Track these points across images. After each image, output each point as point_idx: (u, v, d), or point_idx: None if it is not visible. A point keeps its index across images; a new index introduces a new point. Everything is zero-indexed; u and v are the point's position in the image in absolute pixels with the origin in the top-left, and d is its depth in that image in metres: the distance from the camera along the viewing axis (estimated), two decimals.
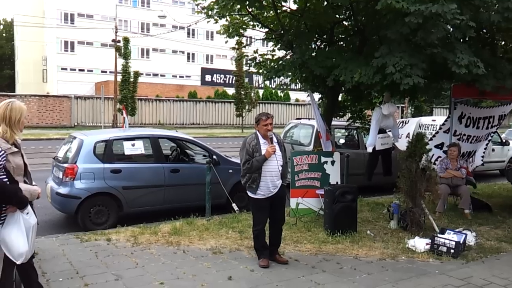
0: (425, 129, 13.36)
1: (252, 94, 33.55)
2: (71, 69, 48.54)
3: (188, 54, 54.74)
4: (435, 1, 5.58)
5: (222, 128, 35.84)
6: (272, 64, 8.48)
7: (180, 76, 53.08)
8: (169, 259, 5.76)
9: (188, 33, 52.53)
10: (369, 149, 7.89)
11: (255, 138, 5.47)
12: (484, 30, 7.79)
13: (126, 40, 29.70)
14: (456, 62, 5.85)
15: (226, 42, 9.08)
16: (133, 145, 8.04)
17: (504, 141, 14.74)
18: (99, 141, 7.78)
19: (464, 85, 7.73)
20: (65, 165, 7.46)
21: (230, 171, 8.58)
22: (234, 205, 8.24)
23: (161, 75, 52.04)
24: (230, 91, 40.23)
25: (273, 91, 41.94)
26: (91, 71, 48.89)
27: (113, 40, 30.72)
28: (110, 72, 42.11)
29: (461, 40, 6.50)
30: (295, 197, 7.99)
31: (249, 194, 5.55)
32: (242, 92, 33.09)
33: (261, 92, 40.52)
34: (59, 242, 6.35)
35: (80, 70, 48.82)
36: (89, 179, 7.42)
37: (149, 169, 8.03)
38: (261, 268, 5.49)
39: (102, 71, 48.17)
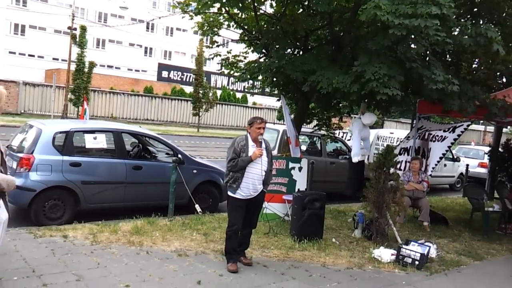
0: (383, 141, 13.72)
1: (211, 94, 33.21)
2: (20, 54, 46.03)
3: (146, 48, 53.46)
4: (418, 16, 5.69)
5: (178, 126, 35.17)
6: (246, 66, 8.37)
7: (136, 70, 51.70)
8: (132, 260, 5.50)
9: (147, 27, 51.33)
10: (355, 160, 7.93)
11: (245, 140, 5.49)
12: (451, 51, 8.08)
13: (83, 29, 28.56)
14: (432, 78, 6.00)
15: (201, 39, 8.89)
16: (95, 138, 7.66)
17: (455, 157, 15.40)
18: (59, 131, 7.36)
19: (428, 102, 7.95)
20: (21, 154, 7.00)
21: (194, 171, 8.39)
22: (197, 206, 8.04)
23: (116, 68, 50.46)
24: (188, 89, 39.64)
25: (231, 92, 41.78)
26: (42, 57, 46.59)
27: (69, 28, 29.43)
28: (63, 60, 40.50)
29: (437, 56, 6.68)
30: None
31: (229, 193, 5.52)
32: (200, 91, 32.70)
33: (219, 93, 40.22)
34: (10, 237, 5.89)
35: (30, 55, 46.41)
36: (45, 171, 6.99)
37: (111, 164, 7.69)
38: (230, 273, 5.35)
39: (54, 59, 46.04)
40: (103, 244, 5.99)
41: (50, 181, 6.99)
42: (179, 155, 8.21)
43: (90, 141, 7.62)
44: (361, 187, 7.09)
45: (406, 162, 9.35)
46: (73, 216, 7.15)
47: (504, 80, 11.53)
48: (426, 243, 6.58)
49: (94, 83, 32.40)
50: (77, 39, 28.62)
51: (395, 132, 14.51)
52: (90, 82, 29.73)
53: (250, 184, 5.42)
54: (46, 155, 7.04)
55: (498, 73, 11.16)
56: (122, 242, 6.11)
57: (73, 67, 29.27)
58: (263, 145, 5.53)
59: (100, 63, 42.93)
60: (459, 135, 9.49)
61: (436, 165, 9.97)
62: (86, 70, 29.14)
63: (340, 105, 9.50)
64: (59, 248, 5.69)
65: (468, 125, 9.36)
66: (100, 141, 7.71)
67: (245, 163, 5.36)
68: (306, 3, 8.41)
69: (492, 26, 6.47)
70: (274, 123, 12.41)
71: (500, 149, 12.08)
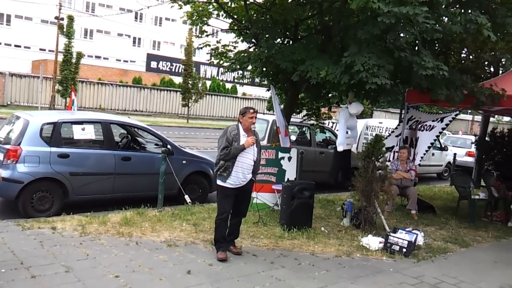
0: (372, 131, 13.81)
1: (200, 85, 33.05)
2: (5, 44, 45.29)
3: (134, 38, 52.89)
4: (407, 3, 5.69)
5: (167, 117, 35.01)
6: (235, 56, 8.34)
7: (125, 61, 51.18)
8: (121, 250, 5.50)
9: (136, 17, 50.73)
10: (339, 149, 7.98)
11: (236, 129, 5.55)
12: (440, 40, 8.11)
13: (71, 19, 28.14)
14: (422, 64, 6.03)
15: (190, 29, 8.85)
16: (83, 129, 7.60)
17: (443, 146, 15.54)
18: (47, 123, 7.29)
19: (417, 91, 7.99)
20: (8, 146, 6.93)
21: (184, 162, 8.37)
22: (186, 196, 8.03)
23: (104, 58, 49.87)
24: (177, 79, 39.37)
25: (221, 83, 41.61)
26: (29, 48, 45.90)
27: (56, 17, 29.05)
28: (50, 50, 39.93)
29: (426, 45, 6.71)
30: None
31: (218, 182, 5.58)
32: (190, 82, 32.52)
33: (208, 83, 40.05)
34: None
35: (16, 46, 45.68)
36: (33, 162, 6.92)
37: (99, 155, 7.64)
38: (219, 261, 5.38)
39: (40, 49, 45.39)
40: (92, 235, 5.97)
41: (38, 173, 6.92)
42: (168, 146, 8.19)
43: (78, 132, 7.55)
44: (348, 175, 7.14)
45: (394, 152, 9.43)
46: (61, 207, 7.10)
47: (492, 69, 11.66)
48: (414, 231, 6.66)
49: (82, 74, 32.07)
50: (65, 29, 28.24)
51: (384, 122, 14.60)
52: (78, 73, 29.40)
53: (240, 173, 5.49)
54: (33, 147, 6.97)
55: (486, 62, 11.28)
56: (111, 233, 6.10)
57: (60, 57, 28.92)
58: (253, 135, 5.58)
59: (88, 54, 42.44)
60: (447, 125, 9.58)
61: (424, 154, 10.08)
62: (73, 60, 28.80)
63: (330, 95, 9.52)
64: (48, 240, 5.66)
65: (456, 115, 9.45)
66: (88, 132, 7.65)
67: (238, 151, 5.42)
68: None
69: (482, 15, 6.49)
70: (264, 113, 12.39)
71: (486, 138, 12.21)
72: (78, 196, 7.37)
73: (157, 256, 5.41)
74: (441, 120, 9.76)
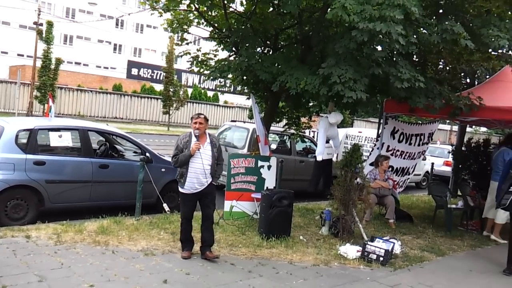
0: (351, 140, 13.93)
1: (181, 92, 32.93)
2: None
3: (115, 45, 52.57)
4: (383, 19, 5.78)
5: (147, 125, 34.74)
6: (215, 64, 8.35)
7: (105, 67, 50.79)
8: (97, 259, 5.41)
9: (117, 24, 50.48)
10: (319, 158, 7.99)
11: (188, 136, 5.78)
12: (417, 51, 8.27)
13: (50, 24, 27.80)
14: (398, 76, 6.12)
15: (171, 37, 8.85)
16: (60, 136, 7.49)
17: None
18: (22, 129, 7.15)
19: (395, 101, 8.11)
20: None
21: (163, 169, 8.30)
22: (165, 205, 7.95)
23: (84, 64, 49.40)
24: (158, 87, 39.18)
25: (202, 91, 41.54)
26: (6, 53, 45.20)
27: (35, 23, 28.68)
28: (28, 56, 39.34)
29: (403, 56, 6.82)
30: (229, 200, 7.90)
31: (179, 187, 5.84)
32: (171, 89, 32.37)
33: (190, 91, 39.93)
34: None
35: None
36: (8, 170, 6.77)
37: (76, 163, 7.54)
38: (183, 259, 5.65)
39: (18, 54, 44.75)
40: (68, 244, 5.87)
41: (12, 180, 6.77)
42: (147, 154, 8.12)
43: (55, 139, 7.46)
44: (329, 184, 7.19)
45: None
46: (36, 216, 6.97)
47: (468, 80, 11.93)
48: (391, 240, 6.72)
49: (61, 80, 31.65)
50: (43, 35, 27.87)
51: (364, 131, 14.75)
52: (56, 79, 29.02)
53: (194, 178, 5.66)
54: (8, 154, 6.83)
55: (462, 74, 11.53)
56: (87, 242, 6.00)
57: (39, 63, 28.50)
58: (207, 140, 5.77)
59: (68, 60, 41.98)
60: (431, 134, 9.90)
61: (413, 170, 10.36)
62: (52, 66, 28.44)
63: (310, 104, 9.59)
64: (21, 248, 5.54)
65: (432, 132, 9.73)
66: (65, 139, 7.54)
67: (186, 158, 5.62)
68: (276, 2, 8.45)
69: (458, 24, 6.64)
70: (244, 122, 12.42)
71: (463, 148, 12.44)
72: (54, 204, 7.24)
73: (134, 265, 5.34)
74: (424, 130, 9.99)
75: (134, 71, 49.53)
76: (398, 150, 9.58)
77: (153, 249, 5.98)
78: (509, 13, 8.10)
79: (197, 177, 5.64)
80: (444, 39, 6.40)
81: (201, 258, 5.77)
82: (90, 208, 7.57)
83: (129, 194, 7.63)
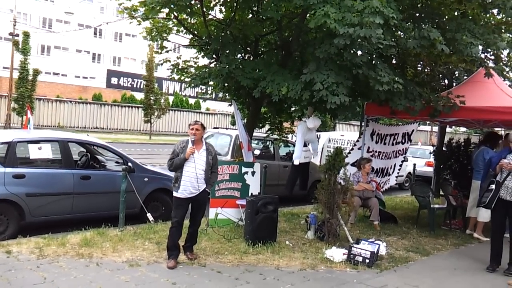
0: (334, 143, 14.03)
1: (162, 100, 32.74)
2: None
3: (94, 54, 51.97)
4: (363, 24, 5.87)
5: (129, 134, 34.44)
6: (195, 71, 8.32)
7: (84, 77, 50.14)
8: (81, 272, 5.31)
9: (95, 33, 49.94)
10: (296, 162, 8.01)
11: (186, 142, 5.91)
12: (397, 55, 8.39)
13: (26, 35, 27.40)
14: (378, 79, 6.21)
15: (151, 45, 8.81)
16: (39, 148, 7.36)
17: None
18: (0, 142, 7.03)
19: (376, 104, 8.20)
20: None
21: (146, 179, 8.22)
22: (149, 215, 7.85)
23: (62, 75, 48.69)
24: (138, 95, 38.90)
25: (184, 98, 41.38)
26: None
27: (11, 34, 28.21)
28: (4, 67, 38.61)
29: (382, 59, 6.91)
30: (214, 207, 7.85)
31: (173, 192, 5.96)
32: (152, 98, 32.17)
33: (171, 99, 39.73)
34: None
35: None
36: None
37: (57, 175, 7.40)
38: (169, 269, 5.57)
39: None
40: (50, 258, 5.75)
41: None
42: (129, 163, 8.03)
43: (35, 152, 7.32)
44: (305, 187, 7.25)
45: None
46: (17, 230, 6.82)
47: (446, 81, 12.13)
48: (376, 242, 6.76)
49: (39, 91, 31.20)
50: (20, 46, 27.45)
51: (346, 135, 14.88)
52: (34, 90, 28.58)
53: (188, 182, 5.80)
54: None
55: (440, 75, 11.72)
56: (70, 255, 5.89)
57: (16, 74, 28.03)
58: (203, 146, 5.94)
59: (46, 71, 41.41)
60: (409, 135, 10.02)
61: (398, 172, 10.48)
62: (30, 77, 27.99)
63: (292, 109, 9.62)
64: (2, 264, 5.41)
65: (412, 131, 9.86)
66: (45, 151, 7.42)
67: (181, 162, 5.79)
68: (255, 8, 8.49)
69: (434, 29, 6.76)
70: (227, 129, 12.40)
71: (443, 148, 12.62)
72: (35, 218, 7.10)
73: (119, 276, 5.26)
74: (399, 131, 10.14)
75: (114, 80, 49.01)
76: (376, 151, 9.73)
77: (138, 259, 5.90)
78: (483, 14, 8.27)
79: (191, 182, 5.79)
80: (422, 45, 6.53)
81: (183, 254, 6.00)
82: (73, 220, 7.45)
83: (112, 205, 7.52)
